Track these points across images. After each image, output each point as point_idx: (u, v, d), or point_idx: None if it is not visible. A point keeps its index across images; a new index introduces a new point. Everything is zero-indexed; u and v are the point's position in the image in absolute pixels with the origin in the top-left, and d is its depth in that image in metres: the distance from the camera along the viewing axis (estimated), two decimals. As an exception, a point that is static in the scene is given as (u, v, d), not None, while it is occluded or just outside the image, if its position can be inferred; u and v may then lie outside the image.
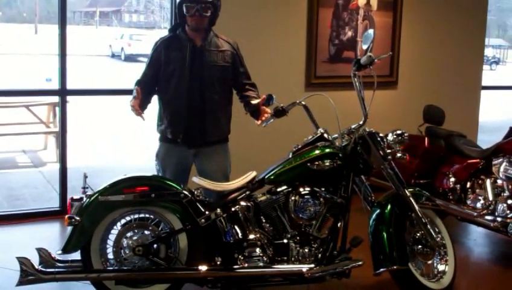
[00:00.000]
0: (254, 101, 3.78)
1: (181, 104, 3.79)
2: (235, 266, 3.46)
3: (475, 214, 4.61)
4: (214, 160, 3.90)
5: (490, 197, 4.59)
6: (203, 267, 3.40)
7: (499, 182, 4.60)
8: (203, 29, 3.80)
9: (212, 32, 3.87)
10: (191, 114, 3.79)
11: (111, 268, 3.41)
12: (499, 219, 4.44)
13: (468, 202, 4.81)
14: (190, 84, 3.76)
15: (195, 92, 3.77)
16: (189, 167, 3.97)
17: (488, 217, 4.51)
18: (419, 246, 3.70)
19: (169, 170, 3.89)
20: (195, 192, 3.50)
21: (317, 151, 3.61)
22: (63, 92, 5.22)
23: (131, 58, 23.65)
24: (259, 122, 3.78)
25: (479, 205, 4.69)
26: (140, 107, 3.68)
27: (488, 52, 29.58)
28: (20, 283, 3.26)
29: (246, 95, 3.93)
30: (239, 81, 3.95)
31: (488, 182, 4.67)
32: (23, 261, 3.26)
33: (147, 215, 3.47)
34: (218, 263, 3.46)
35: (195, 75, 3.77)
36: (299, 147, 3.69)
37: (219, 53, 3.84)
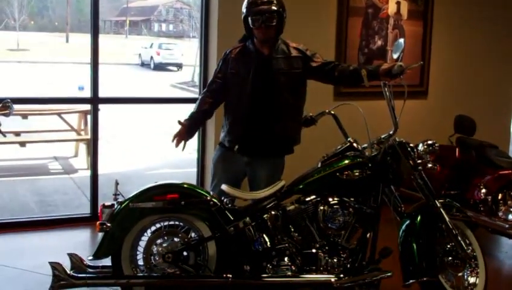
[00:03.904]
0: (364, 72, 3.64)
1: (240, 115, 3.79)
2: (264, 275, 3.47)
3: (507, 226, 4.56)
4: (265, 170, 3.84)
5: (522, 209, 4.53)
6: (231, 275, 3.41)
7: (532, 194, 4.54)
8: (271, 40, 3.77)
9: (280, 39, 3.84)
10: (250, 125, 3.78)
11: (141, 274, 3.45)
12: (531, 232, 4.38)
13: (500, 213, 4.75)
14: (251, 96, 3.74)
15: (256, 104, 3.75)
16: (242, 175, 3.94)
17: (520, 230, 4.46)
18: (450, 258, 3.65)
19: (221, 175, 3.90)
20: (225, 200, 3.52)
21: (346, 161, 3.60)
22: (95, 100, 5.30)
23: (160, 67, 23.88)
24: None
25: (510, 216, 4.63)
26: (186, 133, 3.78)
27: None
28: (52, 287, 3.30)
29: (342, 72, 3.77)
30: (323, 73, 3.83)
31: (520, 193, 4.62)
32: (55, 266, 3.31)
33: (177, 223, 3.50)
34: (247, 271, 3.46)
35: (257, 87, 3.74)
36: (329, 156, 3.69)
37: (287, 60, 3.79)
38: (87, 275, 3.37)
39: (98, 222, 3.37)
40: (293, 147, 3.91)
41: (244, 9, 3.74)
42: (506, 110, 7.08)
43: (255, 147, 3.81)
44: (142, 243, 3.47)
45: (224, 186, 3.59)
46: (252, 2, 3.71)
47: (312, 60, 3.83)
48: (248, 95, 3.75)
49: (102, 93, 5.35)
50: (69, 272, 3.33)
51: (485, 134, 5.35)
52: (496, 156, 5.00)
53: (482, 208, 4.85)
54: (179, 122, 3.80)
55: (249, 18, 3.71)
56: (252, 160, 3.84)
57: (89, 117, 6.79)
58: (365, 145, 3.75)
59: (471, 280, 3.77)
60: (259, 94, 3.75)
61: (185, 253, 3.44)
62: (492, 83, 6.84)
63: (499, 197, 4.81)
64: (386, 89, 3.62)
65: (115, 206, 3.40)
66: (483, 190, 4.87)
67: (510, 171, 4.80)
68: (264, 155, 3.83)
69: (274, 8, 3.68)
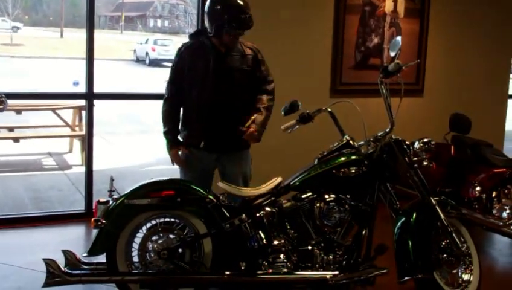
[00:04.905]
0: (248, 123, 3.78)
1: (203, 112, 3.80)
2: (259, 272, 3.46)
3: (500, 223, 4.57)
4: (235, 164, 3.90)
5: (516, 207, 4.55)
6: (227, 272, 3.41)
7: (526, 191, 4.56)
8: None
9: None
10: (214, 121, 3.80)
11: (136, 271, 3.43)
12: (524, 229, 4.39)
13: (494, 211, 4.77)
14: (213, 91, 3.77)
15: (218, 99, 3.78)
16: (212, 172, 3.98)
17: (514, 227, 4.47)
18: (444, 255, 3.66)
19: (191, 174, 3.91)
20: (220, 197, 3.51)
21: (342, 158, 3.61)
22: (89, 96, 5.27)
23: (155, 63, 23.84)
24: (283, 127, 3.79)
25: (504, 214, 4.66)
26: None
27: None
28: (47, 284, 3.29)
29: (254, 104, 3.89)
30: (255, 85, 3.91)
31: (514, 191, 4.63)
32: (49, 263, 3.29)
33: (172, 219, 3.49)
34: (242, 268, 3.46)
35: (218, 83, 3.77)
36: (325, 153, 3.69)
37: (241, 58, 3.83)
38: (82, 272, 3.36)
39: (92, 219, 3.35)
40: None
41: (220, 8, 3.68)
42: (501, 109, 7.10)
43: (221, 143, 3.84)
44: (138, 240, 3.46)
45: (220, 183, 3.59)
46: (238, 10, 3.68)
47: (260, 67, 3.89)
48: (209, 92, 3.77)
49: (97, 89, 5.32)
50: (63, 268, 3.31)
51: (480, 132, 5.36)
52: (491, 154, 5.02)
53: (476, 206, 4.86)
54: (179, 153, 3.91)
55: (227, 23, 3.65)
56: (221, 156, 3.88)
57: (83, 113, 6.76)
58: (361, 142, 3.76)
59: (466, 276, 3.78)
60: (219, 90, 3.77)
61: (180, 250, 3.43)
62: (488, 82, 6.85)
63: (493, 195, 4.83)
64: (382, 86, 3.63)
65: (110, 203, 3.39)
66: (478, 188, 4.88)
67: (504, 170, 4.82)
68: (232, 150, 3.88)
69: (252, 21, 3.71)
